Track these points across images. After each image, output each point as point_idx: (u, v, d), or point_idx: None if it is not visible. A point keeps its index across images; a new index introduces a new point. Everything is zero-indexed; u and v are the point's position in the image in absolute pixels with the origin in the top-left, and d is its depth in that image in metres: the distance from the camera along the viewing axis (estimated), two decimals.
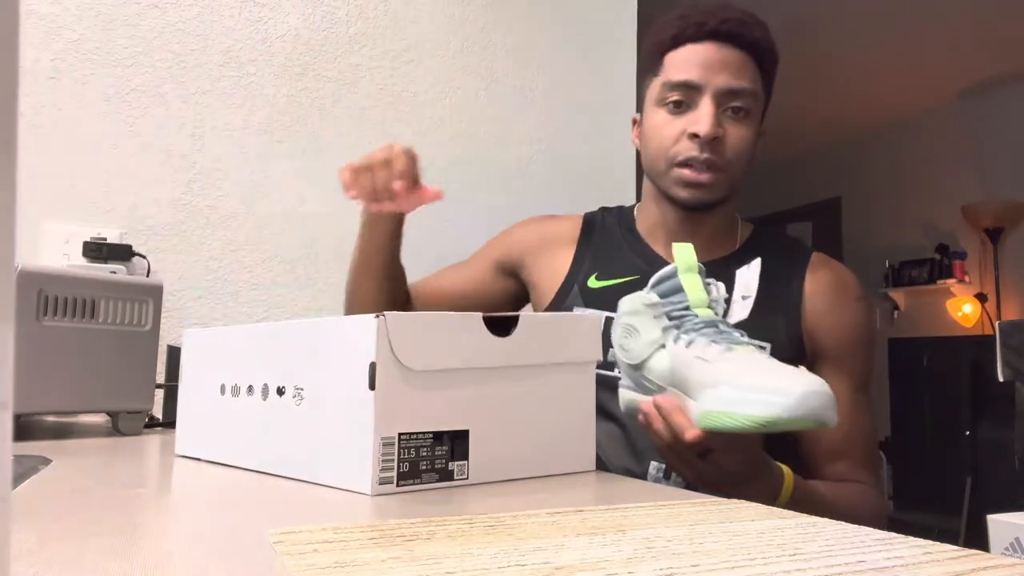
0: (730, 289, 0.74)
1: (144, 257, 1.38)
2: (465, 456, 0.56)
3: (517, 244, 1.13)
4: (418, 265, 1.61)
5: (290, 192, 1.51)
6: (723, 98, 0.92)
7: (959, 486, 3.44)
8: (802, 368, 0.63)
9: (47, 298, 0.78)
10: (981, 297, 4.19)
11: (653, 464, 0.91)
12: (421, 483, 0.53)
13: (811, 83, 4.23)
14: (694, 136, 0.91)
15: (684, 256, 0.68)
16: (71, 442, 0.78)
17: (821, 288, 0.96)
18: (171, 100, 1.43)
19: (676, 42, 0.95)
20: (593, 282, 1.02)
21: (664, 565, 0.34)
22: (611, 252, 1.05)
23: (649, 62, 1.00)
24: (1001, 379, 2.20)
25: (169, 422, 0.97)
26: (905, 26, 3.54)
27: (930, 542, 0.38)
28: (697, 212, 0.98)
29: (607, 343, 0.94)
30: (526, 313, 0.61)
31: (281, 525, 0.41)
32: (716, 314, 0.67)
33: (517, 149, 1.73)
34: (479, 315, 0.57)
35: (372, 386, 0.52)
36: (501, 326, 0.59)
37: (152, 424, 0.96)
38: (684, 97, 0.93)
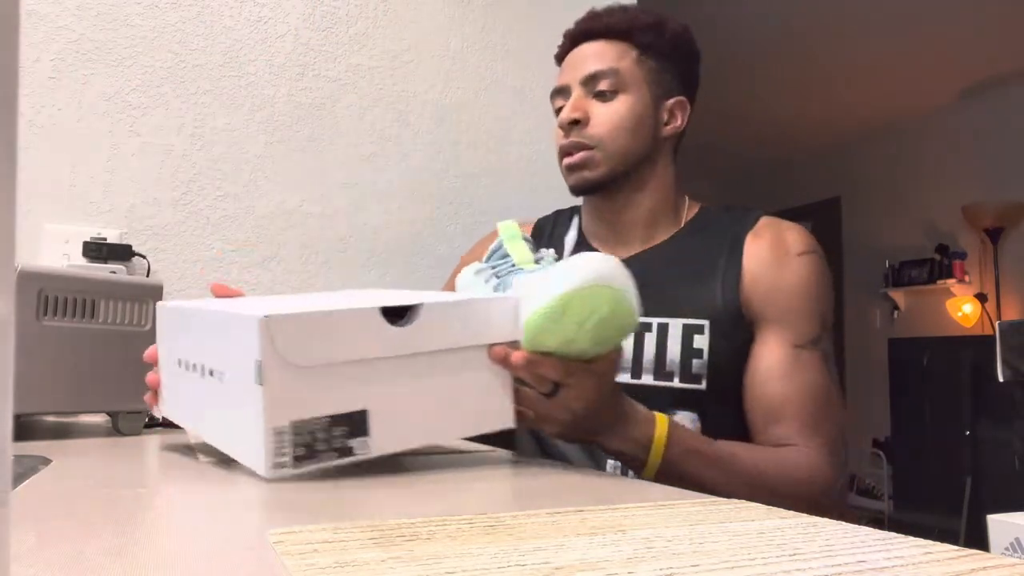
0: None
1: (144, 257, 1.38)
2: (365, 433, 0.60)
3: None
4: (418, 266, 1.61)
5: (290, 192, 1.51)
6: (587, 86, 0.98)
7: (959, 486, 3.44)
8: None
9: (47, 298, 0.78)
10: (981, 297, 4.19)
11: (609, 463, 0.91)
12: (319, 462, 0.58)
13: (811, 83, 4.23)
14: (560, 125, 0.99)
15: (506, 229, 0.75)
16: (71, 442, 0.78)
17: (759, 251, 0.93)
18: (171, 100, 1.43)
19: (559, 60, 1.06)
20: None
21: (664, 565, 0.34)
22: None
23: None
24: (1001, 379, 2.20)
25: (169, 422, 0.97)
26: (905, 26, 3.54)
27: (930, 542, 0.38)
28: (601, 195, 1.00)
29: None
30: (429, 300, 0.64)
31: (281, 525, 0.41)
32: (542, 261, 0.72)
33: (517, 149, 1.73)
34: (376, 308, 0.61)
35: (260, 382, 0.56)
36: (401, 314, 0.63)
37: (152, 424, 0.96)
38: (564, 101, 1.00)
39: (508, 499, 0.53)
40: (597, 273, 0.60)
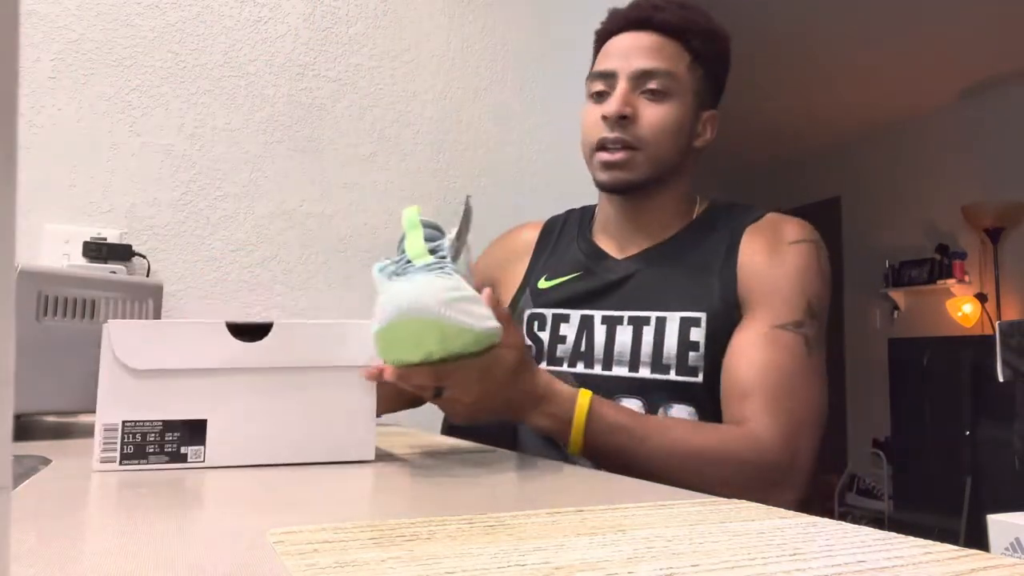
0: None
1: (144, 257, 1.38)
2: (202, 442, 0.63)
3: (481, 274, 1.13)
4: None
5: (290, 192, 1.51)
6: (637, 80, 0.94)
7: (959, 486, 3.44)
8: (440, 276, 0.62)
9: (47, 298, 0.78)
10: (981, 297, 4.19)
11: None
12: (147, 463, 0.62)
13: (811, 83, 4.23)
14: (604, 117, 0.93)
15: (407, 216, 0.72)
16: (71, 442, 0.78)
17: (755, 242, 0.93)
18: (171, 100, 1.43)
19: (602, 38, 1.00)
20: (543, 283, 1.04)
21: (664, 565, 0.34)
22: (562, 255, 1.06)
23: (592, 62, 1.03)
24: (1001, 379, 2.21)
25: None
26: (905, 26, 3.55)
27: (930, 542, 0.38)
28: (627, 195, 0.97)
29: (556, 340, 0.98)
30: (283, 322, 0.67)
31: (281, 525, 0.41)
32: (442, 259, 0.67)
33: (517, 149, 1.73)
34: (222, 323, 0.65)
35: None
36: (251, 332, 0.66)
37: None
38: (605, 87, 0.96)
39: (508, 499, 0.53)
40: (400, 310, 0.58)
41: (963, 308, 4.29)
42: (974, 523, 3.31)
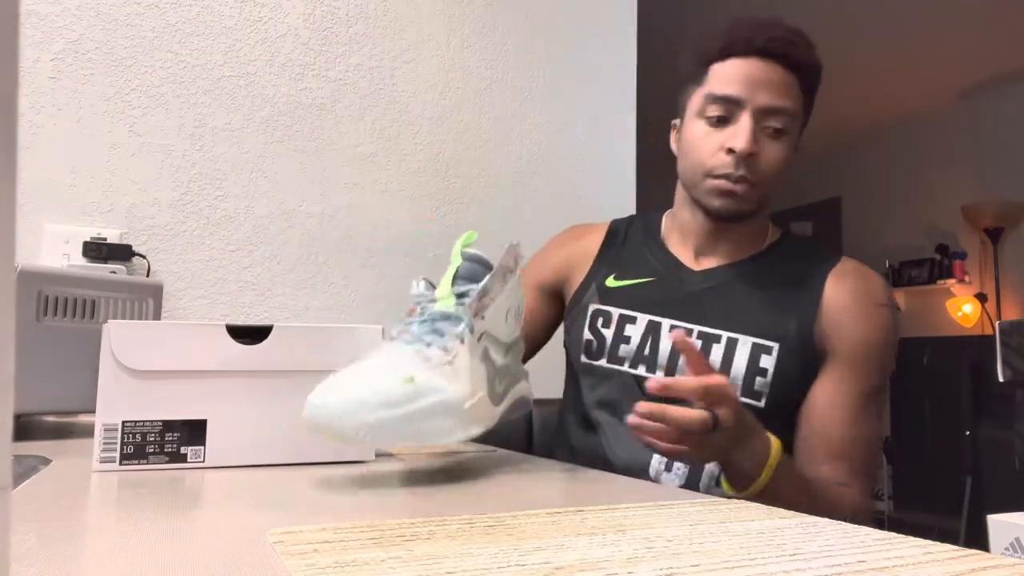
0: None
1: (144, 257, 1.38)
2: (201, 442, 0.64)
3: (553, 270, 1.13)
4: (417, 265, 1.61)
5: (290, 192, 1.51)
6: (762, 115, 0.92)
7: (959, 486, 3.44)
8: (379, 374, 0.58)
9: (47, 298, 0.78)
10: (981, 297, 4.19)
11: (656, 456, 0.92)
12: (148, 463, 0.62)
13: None
14: (731, 151, 0.92)
15: (456, 246, 0.68)
16: (71, 442, 0.78)
17: (842, 291, 0.95)
18: (171, 100, 1.43)
19: (723, 55, 0.95)
20: (611, 281, 1.04)
21: (664, 565, 0.34)
22: (631, 255, 1.06)
23: (692, 71, 1.00)
24: (1001, 379, 2.20)
25: None
26: (905, 26, 3.54)
27: (930, 542, 0.38)
28: (727, 222, 0.98)
29: (620, 340, 0.97)
30: (282, 325, 0.67)
31: (281, 525, 0.41)
32: (462, 305, 0.63)
33: (517, 149, 1.73)
34: (223, 325, 0.65)
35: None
36: (251, 335, 0.66)
37: None
38: (725, 111, 0.94)
39: (508, 499, 0.53)
40: (314, 422, 0.55)
41: (963, 308, 4.29)
42: (974, 523, 3.31)
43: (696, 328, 0.95)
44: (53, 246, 1.32)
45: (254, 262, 1.47)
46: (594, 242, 1.12)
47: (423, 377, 0.58)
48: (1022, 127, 4.08)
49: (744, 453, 0.75)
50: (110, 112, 1.38)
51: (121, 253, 1.34)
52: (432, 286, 0.67)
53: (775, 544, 0.38)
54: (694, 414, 0.68)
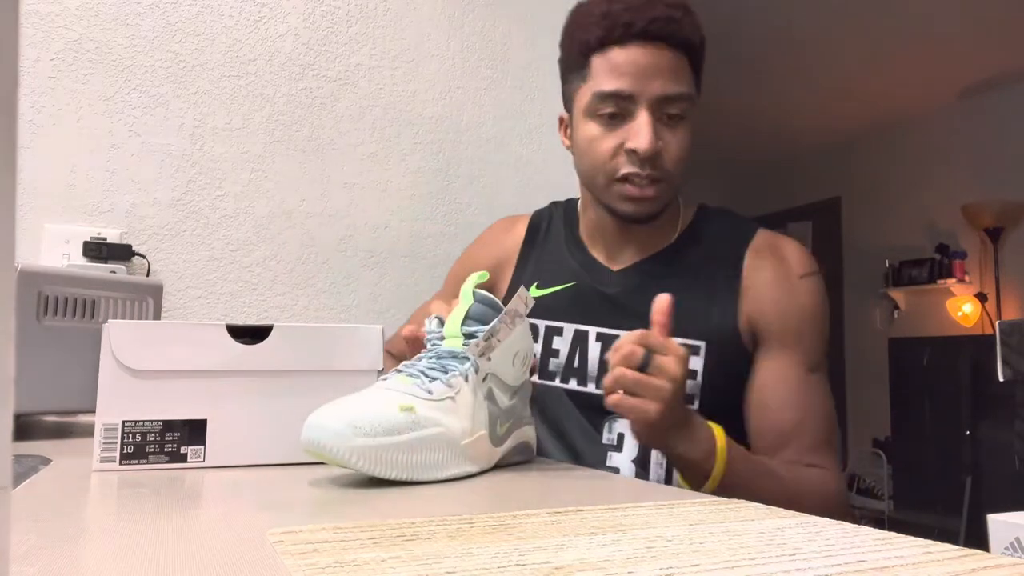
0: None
1: (144, 257, 1.38)
2: (202, 442, 0.64)
3: (480, 269, 1.10)
4: (418, 265, 1.61)
5: (290, 192, 1.51)
6: (658, 106, 0.86)
7: (959, 486, 3.44)
8: (369, 400, 0.58)
9: (47, 298, 0.78)
10: (981, 297, 4.19)
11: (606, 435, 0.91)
12: (148, 463, 0.62)
13: (811, 83, 4.23)
14: (632, 152, 0.86)
15: (464, 286, 0.69)
16: (71, 442, 0.78)
17: (760, 272, 0.91)
18: (171, 100, 1.43)
19: (601, 44, 0.88)
20: (534, 291, 1.00)
21: (664, 565, 0.34)
22: (552, 258, 1.03)
23: (573, 63, 0.93)
24: (1001, 379, 2.20)
25: None
26: (905, 26, 3.54)
27: (930, 542, 0.38)
28: (639, 224, 0.94)
29: (548, 353, 0.96)
30: (282, 325, 0.67)
31: (281, 525, 0.41)
32: (467, 344, 0.65)
33: (517, 149, 1.73)
34: (223, 325, 0.65)
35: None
36: (251, 335, 0.66)
37: None
38: (618, 109, 0.87)
39: (508, 499, 0.53)
40: (309, 443, 0.56)
41: (963, 308, 4.29)
42: (974, 523, 3.31)
43: (621, 334, 0.90)
44: (53, 246, 1.32)
45: (254, 262, 1.47)
46: (517, 238, 1.08)
47: (422, 409, 0.59)
48: (1022, 127, 4.09)
49: (687, 443, 0.73)
50: (110, 112, 1.38)
51: (121, 253, 1.34)
52: (443, 324, 0.68)
53: (775, 544, 0.38)
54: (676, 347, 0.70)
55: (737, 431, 0.89)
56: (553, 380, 0.95)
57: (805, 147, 5.29)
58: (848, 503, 0.92)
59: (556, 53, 1.01)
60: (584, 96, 0.90)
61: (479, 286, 0.70)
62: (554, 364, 0.95)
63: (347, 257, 1.55)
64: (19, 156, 1.30)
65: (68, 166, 1.35)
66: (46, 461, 0.64)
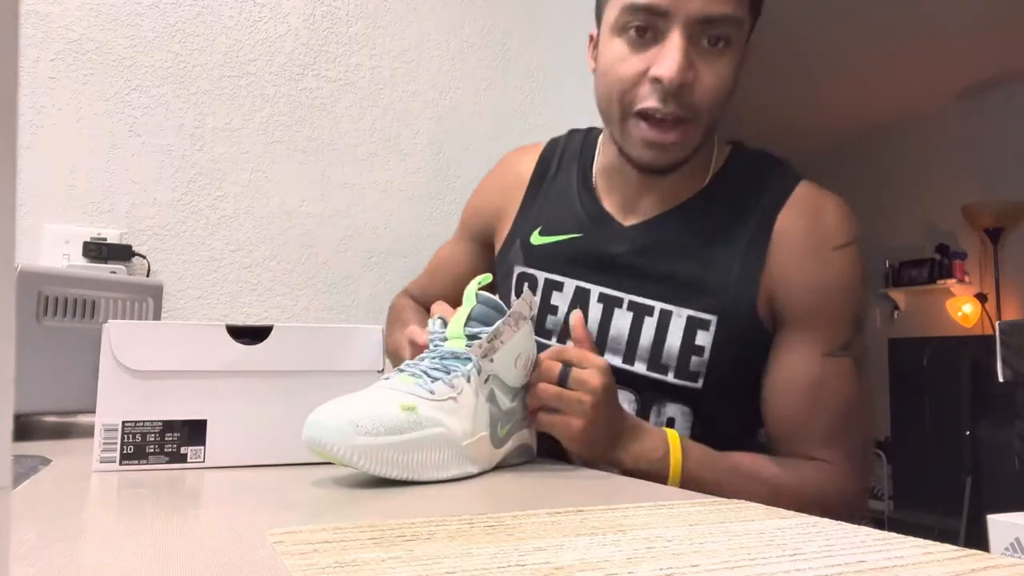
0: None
1: (144, 257, 1.38)
2: (202, 442, 0.64)
3: (485, 218, 1.02)
4: (419, 265, 1.61)
5: (290, 192, 1.51)
6: (697, 27, 0.74)
7: (959, 486, 3.44)
8: (373, 394, 0.58)
9: (47, 298, 0.78)
10: (981, 297, 4.19)
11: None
12: (148, 463, 0.62)
13: (811, 83, 4.23)
14: (656, 80, 0.74)
15: (467, 289, 0.69)
16: (71, 442, 0.78)
17: (790, 239, 0.80)
18: (171, 100, 1.43)
19: None
20: (536, 238, 0.91)
21: (664, 565, 0.34)
22: (560, 201, 0.92)
23: None
24: (1001, 379, 2.20)
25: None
26: (905, 26, 3.55)
27: (930, 542, 0.38)
28: (658, 174, 0.83)
29: (546, 309, 0.89)
30: (282, 325, 0.67)
31: (281, 525, 0.41)
32: (470, 345, 0.65)
33: None
34: (223, 325, 0.65)
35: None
36: (251, 335, 0.66)
37: None
38: (648, 24, 0.75)
39: (508, 499, 0.53)
40: (310, 441, 0.55)
41: (963, 308, 4.29)
42: (974, 523, 3.31)
43: (627, 298, 0.83)
44: (53, 246, 1.32)
45: (254, 262, 1.47)
46: (524, 175, 0.97)
47: (424, 409, 0.59)
48: (1022, 127, 4.09)
49: (632, 454, 0.71)
50: (110, 112, 1.38)
51: (121, 253, 1.34)
52: (446, 324, 0.68)
53: (775, 544, 0.38)
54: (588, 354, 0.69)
55: (748, 415, 0.84)
56: (549, 339, 0.87)
57: (805, 147, 5.29)
58: (859, 503, 0.80)
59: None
60: (614, 8, 0.78)
61: (482, 288, 0.70)
62: (551, 322, 0.87)
63: (347, 257, 1.55)
64: (19, 156, 1.30)
65: (68, 166, 1.35)
66: (46, 461, 0.64)
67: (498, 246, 0.98)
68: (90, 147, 1.37)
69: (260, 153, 1.49)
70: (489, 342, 0.64)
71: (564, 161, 0.96)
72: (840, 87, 4.27)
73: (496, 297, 0.69)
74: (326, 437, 0.54)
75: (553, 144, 0.99)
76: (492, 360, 0.65)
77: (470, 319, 0.66)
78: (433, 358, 0.65)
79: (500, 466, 0.67)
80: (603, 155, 0.91)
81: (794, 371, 0.80)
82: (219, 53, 1.47)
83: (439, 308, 0.76)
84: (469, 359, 0.64)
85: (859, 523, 0.44)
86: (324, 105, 1.55)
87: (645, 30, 0.75)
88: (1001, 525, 0.51)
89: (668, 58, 0.73)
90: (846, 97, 4.42)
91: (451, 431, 0.60)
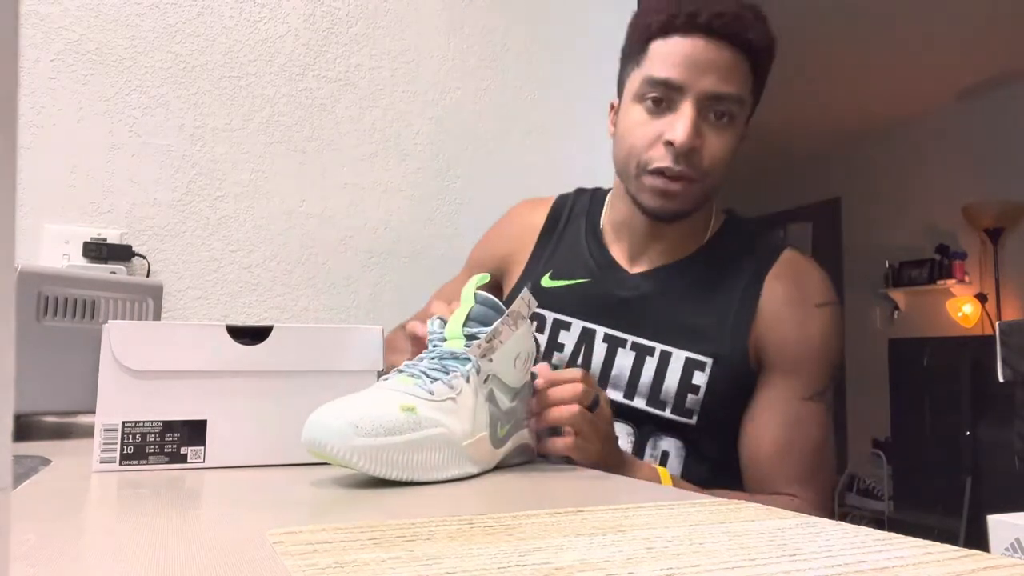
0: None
1: (144, 257, 1.38)
2: (201, 442, 0.64)
3: (497, 260, 1.09)
4: (418, 266, 1.61)
5: (290, 192, 1.51)
6: (706, 102, 0.85)
7: (959, 486, 3.44)
8: (368, 398, 0.59)
9: (47, 298, 0.78)
10: (981, 297, 4.19)
11: None
12: (148, 464, 0.62)
13: (811, 82, 4.23)
14: (669, 144, 0.84)
15: (464, 289, 0.69)
16: (71, 442, 0.78)
17: (778, 296, 0.90)
18: (171, 100, 1.43)
19: (663, 31, 0.86)
20: (547, 281, 0.99)
21: (664, 565, 0.34)
22: (569, 249, 1.01)
23: (632, 49, 0.91)
24: (1001, 379, 2.20)
25: None
26: (905, 25, 3.55)
27: (930, 542, 0.38)
28: (665, 222, 0.92)
29: (553, 347, 0.95)
30: (282, 325, 0.66)
31: (281, 525, 0.41)
32: (468, 345, 0.65)
33: (517, 149, 1.73)
34: (222, 325, 0.65)
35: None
36: (251, 336, 0.66)
37: None
38: (664, 96, 0.85)
39: (508, 499, 0.53)
40: (310, 443, 0.56)
41: (963, 308, 4.29)
42: (974, 523, 3.31)
43: (630, 339, 0.91)
44: (53, 246, 1.32)
45: (254, 262, 1.47)
46: (535, 224, 1.06)
47: (424, 409, 0.59)
48: (1022, 127, 4.09)
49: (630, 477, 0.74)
50: (110, 112, 1.38)
51: (121, 253, 1.34)
52: (445, 324, 0.68)
53: (775, 544, 0.38)
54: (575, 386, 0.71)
55: (736, 449, 0.90)
56: None
57: (805, 147, 5.29)
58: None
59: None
60: (635, 80, 0.89)
61: (481, 288, 0.70)
62: (557, 358, 0.95)
63: (347, 257, 1.55)
64: (19, 156, 1.30)
65: (68, 166, 1.35)
66: (46, 461, 0.64)
67: (507, 290, 1.07)
68: (90, 147, 1.37)
69: (260, 153, 1.49)
70: (488, 342, 0.64)
71: (573, 215, 1.06)
72: (840, 87, 4.27)
73: (495, 297, 0.70)
74: (325, 438, 0.55)
75: (562, 199, 1.09)
76: (491, 360, 0.65)
77: (469, 319, 0.66)
78: (432, 358, 0.65)
79: (500, 466, 0.67)
80: (612, 210, 1.01)
81: (776, 410, 0.87)
82: (219, 53, 1.47)
83: (438, 308, 0.77)
84: (468, 359, 0.64)
85: (858, 522, 0.44)
86: (324, 105, 1.55)
87: (661, 101, 0.86)
88: (1001, 525, 0.51)
89: (680, 126, 0.84)
90: (846, 97, 4.42)
91: (451, 431, 0.60)
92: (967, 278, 4.29)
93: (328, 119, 1.55)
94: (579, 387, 0.70)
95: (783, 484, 0.86)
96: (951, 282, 4.30)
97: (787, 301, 0.89)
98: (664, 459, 0.90)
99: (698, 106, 0.84)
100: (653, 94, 0.86)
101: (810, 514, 0.82)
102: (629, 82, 0.91)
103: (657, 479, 0.76)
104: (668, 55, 0.85)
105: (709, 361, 0.88)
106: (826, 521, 0.44)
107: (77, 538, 0.39)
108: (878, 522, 3.87)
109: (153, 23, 1.42)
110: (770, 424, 0.87)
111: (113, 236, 1.36)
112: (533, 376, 0.72)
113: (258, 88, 1.50)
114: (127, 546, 0.37)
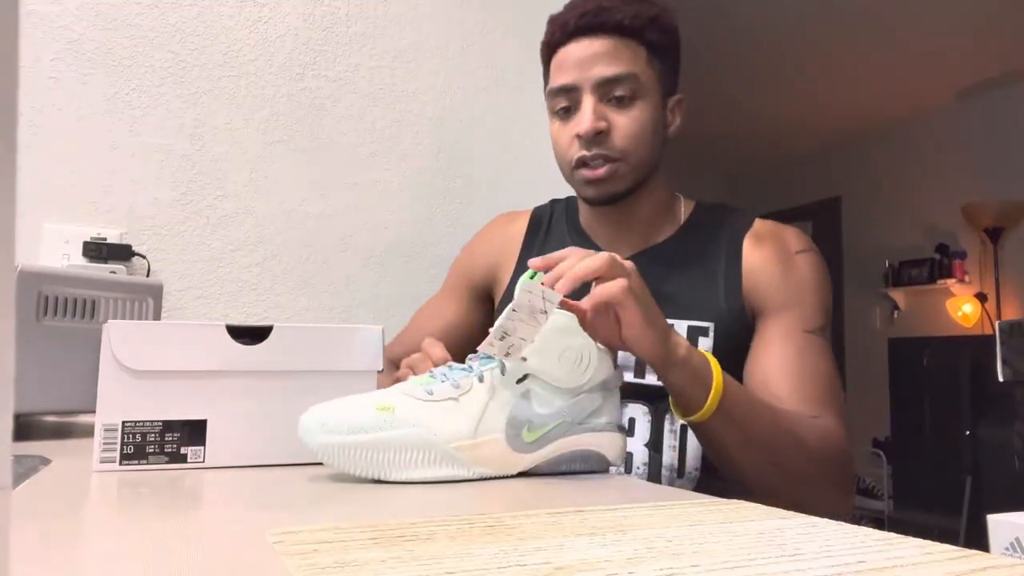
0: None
1: (144, 257, 1.38)
2: (201, 442, 0.64)
3: (482, 270, 1.13)
4: (418, 265, 1.61)
5: (290, 192, 1.51)
6: (602, 89, 0.91)
7: (959, 486, 3.44)
8: (358, 402, 0.60)
9: (47, 298, 0.78)
10: (981, 297, 4.19)
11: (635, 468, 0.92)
12: (148, 463, 0.62)
13: (811, 83, 4.23)
14: (578, 136, 0.92)
15: (520, 280, 0.67)
16: (71, 442, 0.78)
17: (759, 253, 0.94)
18: (171, 100, 1.43)
19: (551, 49, 0.97)
20: (539, 278, 1.01)
21: (664, 565, 0.34)
22: (558, 246, 1.03)
23: (545, 73, 1.01)
24: (1001, 379, 2.20)
25: None
26: (905, 25, 3.55)
27: (930, 542, 0.38)
28: (610, 205, 0.97)
29: None
30: (282, 325, 0.67)
31: (281, 525, 0.41)
32: (472, 355, 0.65)
33: (517, 149, 1.73)
34: (222, 325, 0.65)
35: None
36: (251, 335, 0.66)
37: None
38: (569, 102, 0.94)
39: (508, 499, 0.53)
40: (307, 441, 0.59)
41: (963, 308, 4.29)
42: (974, 523, 3.31)
43: None
44: (53, 246, 1.31)
45: (254, 262, 1.47)
46: (518, 232, 1.11)
47: (405, 408, 0.59)
48: (1022, 127, 4.08)
49: (685, 344, 0.71)
50: (110, 112, 1.38)
51: (121, 253, 1.34)
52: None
53: (775, 544, 0.38)
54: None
55: None
56: None
57: (805, 147, 5.29)
58: (853, 464, 0.86)
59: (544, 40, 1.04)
60: (547, 97, 0.99)
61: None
62: None
63: (347, 257, 1.55)
64: (19, 156, 1.30)
65: (68, 166, 1.35)
66: (46, 461, 0.64)
67: (498, 297, 1.10)
68: (90, 147, 1.37)
69: (260, 153, 1.49)
70: (500, 340, 0.61)
71: (555, 219, 1.11)
72: (839, 87, 4.27)
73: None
74: (302, 435, 0.59)
75: (540, 209, 1.15)
76: (524, 359, 0.62)
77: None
78: (467, 361, 0.66)
79: (534, 473, 0.63)
80: (581, 212, 1.07)
81: (779, 341, 0.88)
82: (219, 53, 1.47)
83: (429, 346, 0.82)
84: (491, 359, 0.63)
85: (858, 522, 0.45)
86: (324, 105, 1.55)
87: (568, 108, 0.94)
88: (1001, 525, 0.51)
89: (582, 117, 0.91)
90: (845, 97, 4.42)
91: (430, 431, 0.59)
92: (967, 278, 4.29)
93: (328, 119, 1.55)
94: (605, 254, 0.67)
95: (800, 406, 0.84)
96: (951, 281, 4.30)
97: (769, 255, 0.94)
98: (683, 433, 0.90)
99: (596, 95, 0.91)
100: (561, 104, 0.95)
101: (840, 438, 0.83)
102: (546, 100, 1.00)
103: (709, 370, 0.71)
104: (558, 66, 0.95)
105: (711, 325, 0.91)
106: (826, 521, 0.44)
107: (77, 538, 0.39)
108: (878, 522, 3.87)
109: (153, 23, 1.42)
110: (775, 354, 0.87)
111: (113, 236, 1.36)
112: (620, 376, 0.68)
113: (258, 88, 1.49)
114: (127, 546, 0.37)
